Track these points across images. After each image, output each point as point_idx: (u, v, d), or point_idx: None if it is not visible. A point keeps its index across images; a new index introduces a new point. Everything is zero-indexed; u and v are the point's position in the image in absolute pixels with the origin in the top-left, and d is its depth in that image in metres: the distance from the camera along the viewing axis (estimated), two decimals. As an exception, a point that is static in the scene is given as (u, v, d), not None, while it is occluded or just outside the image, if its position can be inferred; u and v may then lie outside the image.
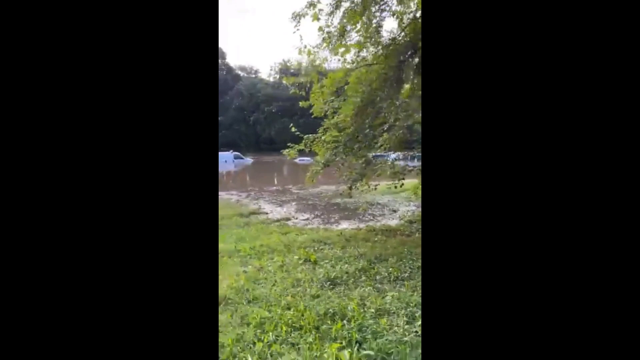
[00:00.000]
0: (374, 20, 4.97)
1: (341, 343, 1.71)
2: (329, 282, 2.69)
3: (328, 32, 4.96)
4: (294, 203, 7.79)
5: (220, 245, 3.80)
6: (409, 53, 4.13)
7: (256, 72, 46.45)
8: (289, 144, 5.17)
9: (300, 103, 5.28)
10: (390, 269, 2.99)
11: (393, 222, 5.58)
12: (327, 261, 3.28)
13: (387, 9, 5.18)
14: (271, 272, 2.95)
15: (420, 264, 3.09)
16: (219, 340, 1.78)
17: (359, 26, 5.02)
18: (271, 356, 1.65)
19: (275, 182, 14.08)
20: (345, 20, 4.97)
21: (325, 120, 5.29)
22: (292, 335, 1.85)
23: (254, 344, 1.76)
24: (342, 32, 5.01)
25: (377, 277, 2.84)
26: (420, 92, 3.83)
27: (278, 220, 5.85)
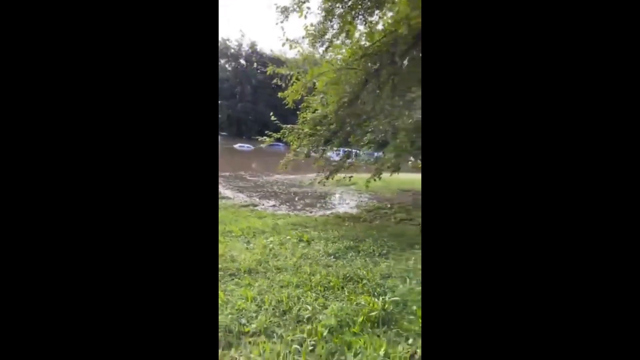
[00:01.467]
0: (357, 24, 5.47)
1: (372, 294, 2.21)
2: (330, 256, 3.15)
3: (311, 32, 5.29)
4: (253, 190, 7.90)
5: (235, 225, 3.90)
6: (387, 61, 4.75)
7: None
8: (266, 132, 5.36)
9: (280, 94, 5.51)
10: (372, 248, 3.59)
11: (353, 211, 6.27)
12: (316, 241, 3.72)
13: (362, 17, 5.75)
14: (276, 249, 3.26)
15: (392, 243, 3.77)
16: (269, 298, 2.10)
17: (336, 27, 5.47)
18: (321, 307, 2.05)
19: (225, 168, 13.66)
20: (326, 21, 5.37)
21: (300, 112, 5.63)
22: (326, 293, 2.27)
23: (298, 299, 2.13)
24: (324, 33, 5.40)
25: (363, 253, 3.40)
26: (396, 99, 4.47)
27: (246, 206, 5.99)
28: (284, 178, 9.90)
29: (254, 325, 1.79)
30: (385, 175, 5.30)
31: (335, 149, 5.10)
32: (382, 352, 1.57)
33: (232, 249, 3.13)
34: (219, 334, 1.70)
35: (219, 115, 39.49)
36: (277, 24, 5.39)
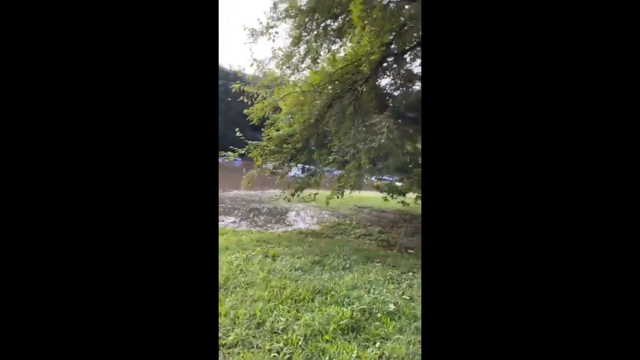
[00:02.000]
0: (321, 51, 5.84)
1: (340, 304, 2.35)
2: (297, 270, 3.24)
3: (279, 55, 5.55)
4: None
5: None
6: (349, 88, 5.15)
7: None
8: (231, 147, 5.36)
9: (245, 110, 5.59)
10: (335, 262, 3.75)
11: (315, 227, 6.42)
12: (282, 256, 3.78)
13: (326, 45, 6.17)
14: (242, 265, 3.25)
15: (355, 257, 3.98)
16: (241, 312, 2.12)
17: (302, 52, 5.80)
18: (293, 318, 2.13)
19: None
20: (292, 46, 5.68)
21: (264, 129, 5.76)
22: (297, 305, 2.36)
23: (271, 311, 2.19)
24: (290, 56, 5.69)
25: (328, 267, 3.55)
26: (357, 123, 4.83)
27: (206, 222, 5.81)
28: (243, 194, 9.74)
29: (230, 338, 1.82)
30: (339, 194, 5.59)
31: (298, 165, 5.28)
32: (354, 355, 1.71)
33: (197, 266, 3.07)
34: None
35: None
36: (245, 44, 5.55)
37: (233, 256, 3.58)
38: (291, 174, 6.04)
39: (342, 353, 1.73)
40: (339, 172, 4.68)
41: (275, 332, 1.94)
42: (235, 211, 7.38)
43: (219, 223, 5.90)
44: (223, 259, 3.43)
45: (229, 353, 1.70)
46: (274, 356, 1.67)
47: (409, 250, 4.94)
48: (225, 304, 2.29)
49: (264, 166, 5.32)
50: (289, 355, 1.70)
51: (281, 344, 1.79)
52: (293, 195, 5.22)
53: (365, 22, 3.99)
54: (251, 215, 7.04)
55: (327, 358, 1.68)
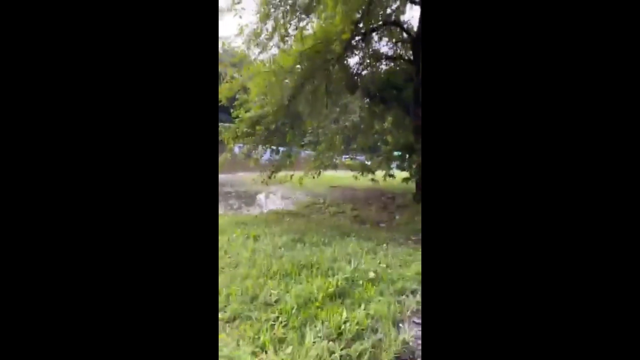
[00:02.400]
0: (290, 29, 5.71)
1: (325, 275, 2.53)
2: (280, 249, 3.36)
3: (246, 32, 5.35)
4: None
5: None
6: (320, 67, 5.16)
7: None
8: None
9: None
10: (314, 239, 3.93)
11: (290, 207, 6.54)
12: (263, 237, 3.88)
13: (294, 22, 6.04)
14: (225, 247, 3.31)
15: (331, 233, 4.19)
16: (227, 292, 2.23)
17: (270, 29, 5.65)
18: (284, 291, 2.28)
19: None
20: (260, 22, 5.50)
21: (233, 110, 5.64)
22: (285, 279, 2.50)
23: (262, 287, 2.32)
24: (258, 34, 5.52)
25: (308, 244, 3.72)
26: (330, 103, 4.91)
27: (179, 208, 5.68)
28: (213, 178, 9.53)
29: (227, 314, 1.93)
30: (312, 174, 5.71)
31: (272, 147, 5.29)
32: (343, 316, 1.91)
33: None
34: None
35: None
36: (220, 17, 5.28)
37: (214, 239, 3.62)
38: (265, 157, 6.04)
39: (333, 316, 1.91)
40: (313, 152, 4.77)
41: (269, 305, 2.08)
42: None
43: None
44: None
45: (229, 327, 1.81)
46: (272, 324, 1.81)
47: (381, 224, 5.27)
48: (226, 276, 2.37)
49: (235, 149, 5.26)
50: (285, 323, 1.85)
51: (276, 314, 1.93)
52: (270, 177, 5.26)
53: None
54: (226, 199, 6.97)
55: (320, 321, 1.86)
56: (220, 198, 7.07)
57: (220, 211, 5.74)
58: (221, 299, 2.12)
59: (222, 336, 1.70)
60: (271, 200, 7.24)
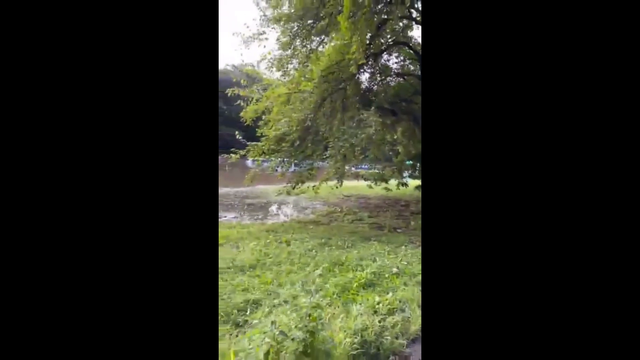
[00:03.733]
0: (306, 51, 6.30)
1: (355, 270, 2.98)
2: (311, 251, 3.82)
3: (270, 59, 5.97)
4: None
5: None
6: (336, 87, 5.71)
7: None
8: (232, 149, 5.77)
9: (242, 113, 6.00)
10: (339, 243, 4.37)
11: (309, 217, 7.00)
12: (292, 242, 4.34)
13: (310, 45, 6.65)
14: (264, 250, 3.78)
15: (353, 238, 4.61)
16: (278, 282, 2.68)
17: (289, 55, 6.25)
18: (323, 282, 2.72)
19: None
20: (280, 50, 6.12)
21: (258, 129, 6.21)
22: (323, 273, 2.95)
23: (304, 279, 2.77)
24: (281, 62, 6.13)
25: (334, 247, 4.16)
26: (347, 119, 5.42)
27: (210, 218, 6.22)
28: (234, 191, 10.09)
29: (281, 298, 2.38)
30: (326, 183, 6.17)
31: (295, 162, 5.80)
32: (376, 300, 2.33)
33: (226, 253, 3.56)
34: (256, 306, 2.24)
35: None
36: (235, 50, 5.94)
37: (251, 244, 4.09)
38: (291, 169, 6.57)
39: (368, 300, 2.34)
40: (331, 164, 5.26)
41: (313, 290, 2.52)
42: (232, 207, 7.78)
43: (223, 219, 6.32)
44: (245, 246, 3.94)
45: (287, 304, 2.26)
46: (319, 301, 2.25)
47: (397, 230, 5.66)
48: (267, 277, 2.84)
49: (263, 164, 5.79)
50: (329, 303, 2.29)
51: (321, 297, 2.37)
52: (293, 188, 5.76)
53: (352, 27, 4.52)
54: (249, 210, 7.48)
55: (357, 303, 2.29)
56: (245, 208, 7.59)
57: (247, 221, 6.24)
58: (272, 288, 2.58)
59: (284, 308, 2.15)
60: (290, 210, 7.72)
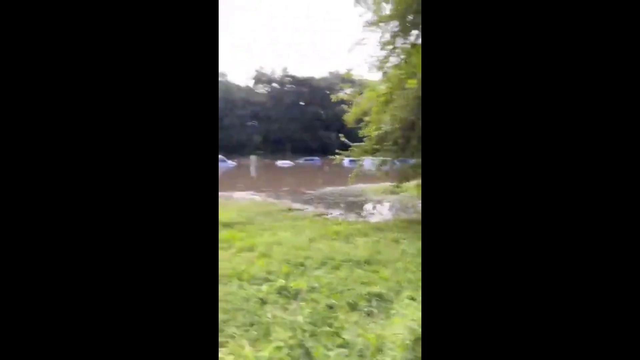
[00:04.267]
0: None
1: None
2: (422, 250, 3.84)
3: (371, 62, 6.12)
4: (317, 202, 8.77)
5: (318, 231, 4.84)
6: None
7: (224, 76, 46.10)
8: (337, 150, 6.22)
9: (344, 116, 6.38)
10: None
11: (413, 216, 6.88)
12: (400, 240, 4.41)
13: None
14: (376, 247, 4.01)
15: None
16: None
17: (389, 52, 6.23)
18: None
19: (279, 183, 14.75)
20: (381, 50, 6.16)
21: (360, 130, 6.44)
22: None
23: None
24: (383, 62, 6.19)
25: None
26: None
27: (319, 215, 6.82)
28: (335, 190, 10.70)
29: (409, 291, 2.53)
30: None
31: (400, 160, 5.82)
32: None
33: (341, 247, 3.93)
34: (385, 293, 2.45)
35: (256, 136, 41.83)
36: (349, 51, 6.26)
37: (361, 240, 4.37)
38: (385, 168, 6.64)
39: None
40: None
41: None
42: (337, 205, 8.30)
43: (329, 216, 6.85)
44: (359, 243, 4.24)
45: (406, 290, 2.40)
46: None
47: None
48: (389, 268, 3.08)
49: (365, 163, 6.00)
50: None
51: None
52: (398, 187, 5.80)
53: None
54: (351, 208, 7.85)
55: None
56: (345, 206, 8.00)
57: (352, 218, 6.59)
58: (391, 285, 2.75)
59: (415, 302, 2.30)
60: (394, 209, 7.72)
